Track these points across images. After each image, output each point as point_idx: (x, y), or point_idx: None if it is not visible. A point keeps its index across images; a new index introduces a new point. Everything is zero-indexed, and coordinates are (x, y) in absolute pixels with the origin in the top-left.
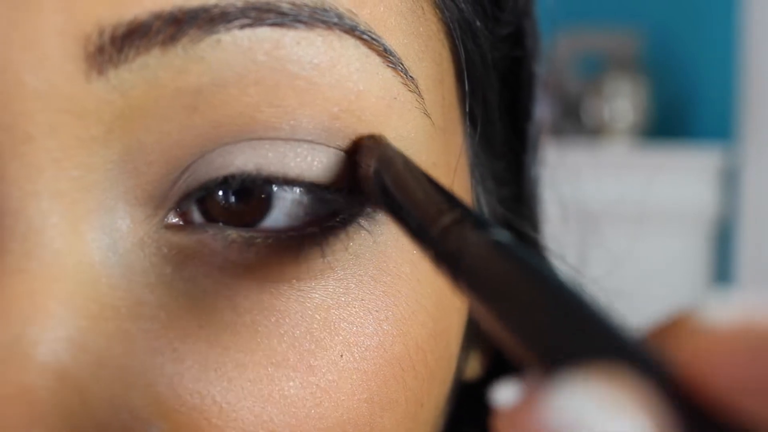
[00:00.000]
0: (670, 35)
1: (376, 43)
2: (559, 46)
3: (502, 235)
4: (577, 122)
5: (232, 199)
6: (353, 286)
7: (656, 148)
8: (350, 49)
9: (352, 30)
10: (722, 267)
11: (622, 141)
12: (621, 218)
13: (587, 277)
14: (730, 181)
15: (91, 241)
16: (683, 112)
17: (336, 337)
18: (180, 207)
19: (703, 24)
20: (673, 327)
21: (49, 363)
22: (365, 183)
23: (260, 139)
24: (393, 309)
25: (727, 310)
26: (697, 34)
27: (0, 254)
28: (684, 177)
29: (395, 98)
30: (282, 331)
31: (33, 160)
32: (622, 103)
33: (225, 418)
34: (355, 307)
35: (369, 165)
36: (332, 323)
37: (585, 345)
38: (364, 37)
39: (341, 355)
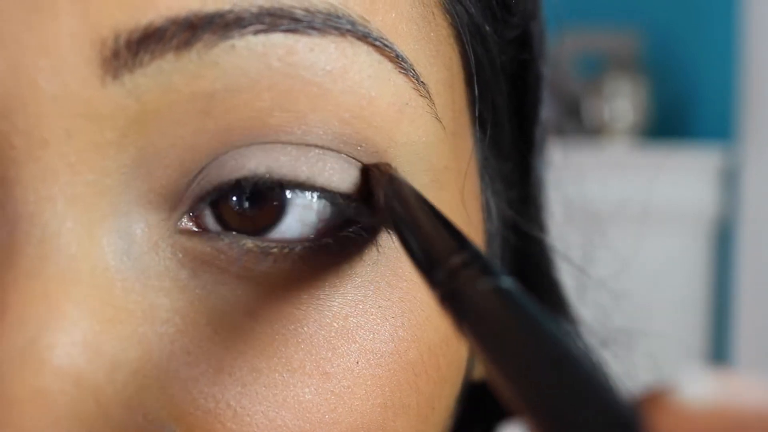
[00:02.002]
0: (670, 35)
1: (389, 50)
2: (559, 46)
3: (508, 282)
4: (577, 122)
5: (246, 204)
6: (371, 293)
7: (656, 148)
8: (363, 55)
9: (365, 37)
10: (722, 267)
11: (622, 141)
12: (621, 218)
13: (589, 277)
14: (730, 181)
15: (106, 245)
16: (683, 112)
17: (353, 345)
18: (193, 211)
19: (703, 24)
20: (652, 403)
21: (65, 366)
22: (379, 212)
23: (272, 142)
24: (409, 315)
25: (703, 391)
26: (697, 34)
27: (16, 258)
28: (684, 177)
29: (407, 104)
30: (299, 339)
31: (48, 164)
32: (622, 103)
33: (239, 422)
34: (372, 314)
35: (379, 195)
36: (349, 331)
37: (575, 406)
38: (377, 43)
39: (357, 362)
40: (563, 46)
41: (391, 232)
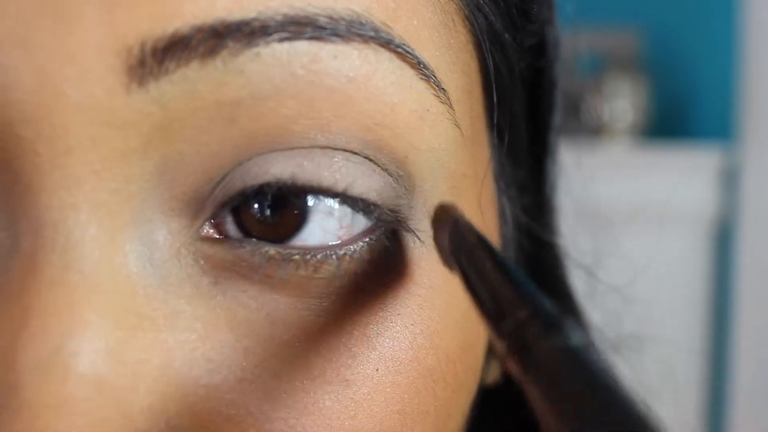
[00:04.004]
0: (670, 35)
1: (411, 56)
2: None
3: (576, 337)
4: (577, 122)
5: (268, 211)
6: (390, 300)
7: (656, 148)
8: (385, 62)
9: (388, 43)
10: (722, 267)
11: (622, 141)
12: (620, 218)
13: (593, 277)
14: (730, 181)
15: (129, 252)
16: (683, 112)
17: (372, 352)
18: (215, 218)
19: (703, 24)
20: None
21: (89, 374)
22: (440, 253)
23: (296, 148)
24: (428, 322)
25: None
26: (697, 34)
27: (40, 266)
28: (684, 177)
29: (428, 110)
30: (320, 346)
31: (73, 171)
32: (622, 103)
33: (260, 428)
34: (392, 322)
35: (443, 238)
36: (369, 338)
37: None
38: (399, 50)
39: (377, 369)
40: (564, 45)
41: (456, 273)
